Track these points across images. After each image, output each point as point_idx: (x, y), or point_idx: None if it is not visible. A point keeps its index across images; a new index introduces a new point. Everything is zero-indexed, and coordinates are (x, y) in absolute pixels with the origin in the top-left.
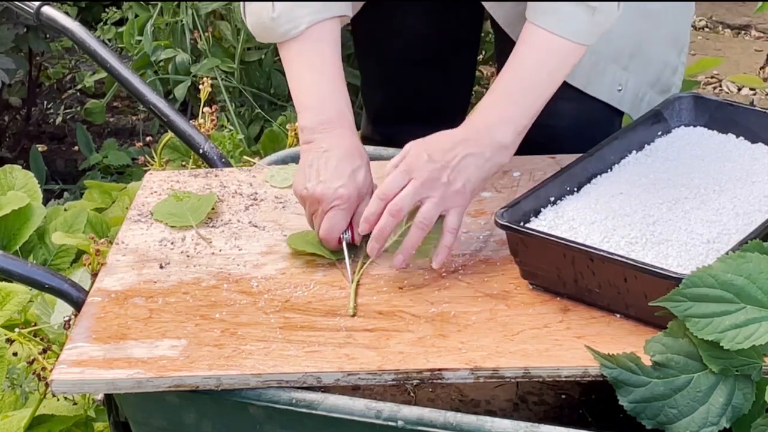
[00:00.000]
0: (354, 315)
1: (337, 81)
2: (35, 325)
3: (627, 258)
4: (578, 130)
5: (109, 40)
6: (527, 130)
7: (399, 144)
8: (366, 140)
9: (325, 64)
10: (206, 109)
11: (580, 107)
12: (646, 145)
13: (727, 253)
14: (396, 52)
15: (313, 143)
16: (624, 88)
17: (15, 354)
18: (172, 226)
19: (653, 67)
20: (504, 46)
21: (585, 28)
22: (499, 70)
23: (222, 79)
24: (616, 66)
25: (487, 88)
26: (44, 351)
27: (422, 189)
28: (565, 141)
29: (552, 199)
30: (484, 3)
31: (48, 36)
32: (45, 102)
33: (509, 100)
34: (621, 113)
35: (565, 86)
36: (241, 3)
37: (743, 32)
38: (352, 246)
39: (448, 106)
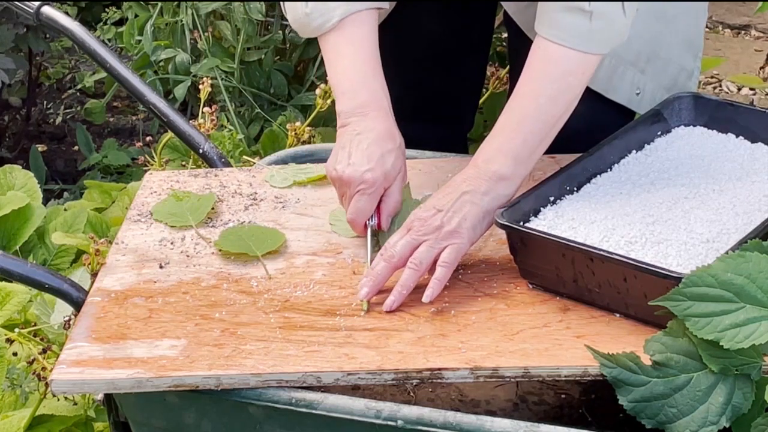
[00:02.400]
0: (368, 310)
1: (371, 65)
2: (35, 325)
3: (627, 257)
4: (589, 134)
5: (109, 40)
6: (537, 157)
7: (407, 144)
8: None
9: (358, 51)
10: (206, 109)
11: (593, 108)
12: (645, 145)
13: (726, 253)
14: (409, 52)
15: (347, 126)
16: (642, 92)
17: (15, 354)
18: (171, 226)
19: (670, 70)
20: (519, 46)
21: (584, 34)
22: (512, 69)
23: (222, 79)
24: (635, 69)
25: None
26: (44, 351)
27: (416, 235)
28: (576, 143)
29: (552, 198)
30: (505, 6)
31: (48, 36)
32: (45, 102)
33: (506, 131)
34: (632, 117)
35: None
36: (281, 2)
37: (743, 32)
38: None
39: (459, 106)
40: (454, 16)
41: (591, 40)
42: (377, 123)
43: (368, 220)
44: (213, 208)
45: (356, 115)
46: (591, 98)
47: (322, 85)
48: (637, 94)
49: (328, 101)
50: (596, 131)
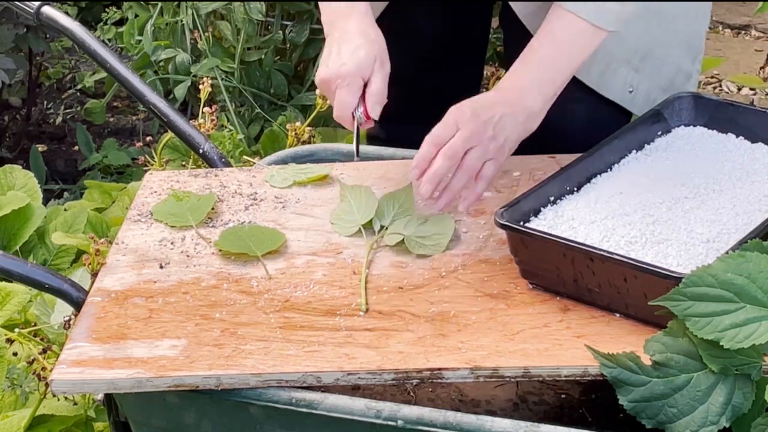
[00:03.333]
0: (367, 311)
1: None
2: (35, 325)
3: (627, 257)
4: (587, 133)
5: (109, 40)
6: (554, 100)
7: (404, 143)
8: (371, 139)
9: None
10: (206, 109)
11: (590, 109)
12: (645, 145)
13: (726, 253)
14: (406, 50)
15: (328, 37)
16: (635, 91)
17: (15, 354)
18: (172, 226)
19: (666, 70)
20: (516, 45)
21: (611, 14)
22: (507, 69)
23: (222, 79)
24: (628, 67)
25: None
26: (44, 351)
27: (471, 138)
28: (573, 143)
29: (552, 198)
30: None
31: (48, 36)
32: (45, 102)
33: (540, 67)
34: (629, 117)
35: (576, 88)
36: None
37: (743, 32)
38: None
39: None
40: (452, 15)
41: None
42: (348, 25)
43: (354, 111)
44: (213, 208)
45: (332, 23)
46: (589, 98)
47: None
48: (630, 92)
49: (328, 101)
50: (595, 131)
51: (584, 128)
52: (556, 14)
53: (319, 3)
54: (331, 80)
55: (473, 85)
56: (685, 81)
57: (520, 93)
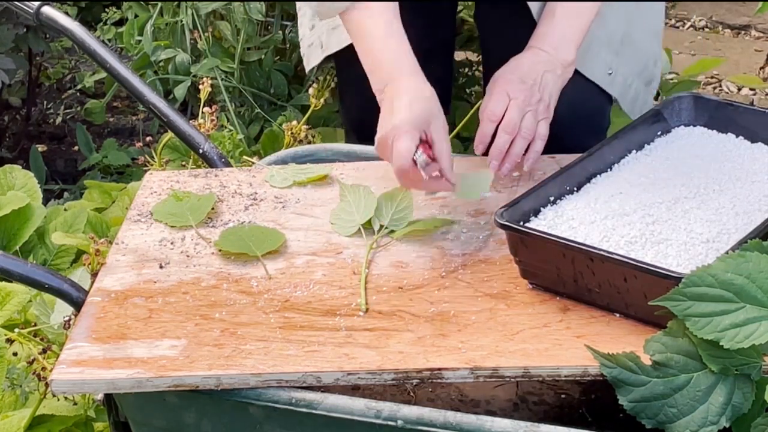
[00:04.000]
0: (367, 311)
1: (390, 36)
2: (35, 325)
3: (626, 257)
4: (573, 110)
5: (109, 40)
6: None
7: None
8: (361, 139)
9: (376, 26)
10: (206, 109)
11: (575, 88)
12: (645, 145)
13: (726, 253)
14: None
15: (381, 102)
16: (614, 73)
17: (15, 354)
18: (172, 226)
19: (641, 55)
20: (491, 46)
21: None
22: (484, 58)
23: (222, 79)
24: (609, 50)
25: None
26: (44, 351)
27: (524, 106)
28: (561, 123)
29: (552, 198)
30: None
31: (48, 36)
32: (45, 102)
33: (567, 23)
34: (611, 100)
35: None
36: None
37: (743, 32)
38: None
39: None
40: (424, 15)
41: None
42: (401, 84)
43: (414, 155)
44: (213, 208)
45: (384, 90)
46: (572, 79)
47: (315, 85)
48: (609, 73)
49: (322, 100)
50: (579, 110)
51: (569, 106)
52: None
53: (367, 72)
54: (388, 137)
55: (447, 83)
56: (653, 66)
57: (555, 49)
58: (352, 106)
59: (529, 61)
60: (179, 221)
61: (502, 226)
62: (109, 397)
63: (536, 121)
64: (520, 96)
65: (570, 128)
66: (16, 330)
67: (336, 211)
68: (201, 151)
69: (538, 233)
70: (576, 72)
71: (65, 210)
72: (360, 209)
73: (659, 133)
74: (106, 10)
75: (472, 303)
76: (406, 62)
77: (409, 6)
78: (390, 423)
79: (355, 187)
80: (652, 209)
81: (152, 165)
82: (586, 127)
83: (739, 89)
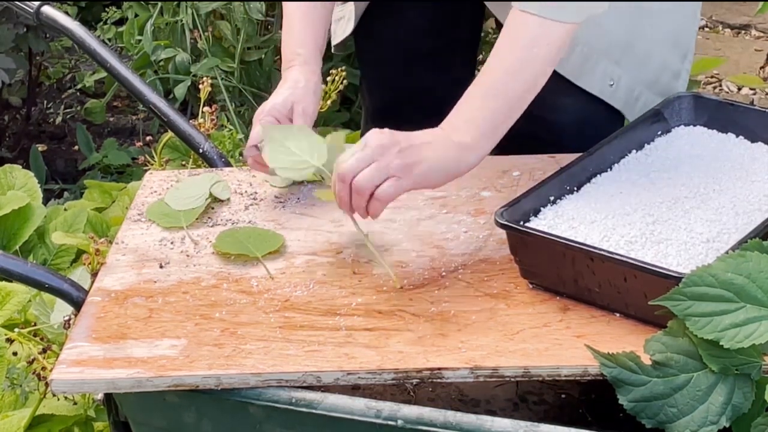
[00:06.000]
0: (401, 287)
1: (301, 20)
2: (35, 325)
3: (627, 257)
4: (580, 126)
5: (109, 40)
6: (502, 132)
7: None
8: None
9: (297, 7)
10: (206, 108)
11: (581, 102)
12: (645, 145)
13: (726, 252)
14: (396, 49)
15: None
16: (616, 84)
17: (15, 354)
18: (164, 228)
19: (651, 66)
20: None
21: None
22: None
23: (222, 79)
24: (608, 60)
25: None
26: (44, 351)
27: (371, 153)
28: (566, 137)
29: (552, 198)
30: (486, 2)
31: (48, 36)
32: (45, 102)
33: (471, 102)
34: (618, 112)
35: (564, 81)
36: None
37: (743, 32)
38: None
39: (447, 106)
40: (441, 13)
41: (550, 6)
42: (291, 72)
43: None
44: (213, 208)
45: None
46: (577, 92)
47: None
48: (611, 85)
49: (328, 102)
50: (586, 125)
51: (575, 121)
52: (508, 19)
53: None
54: (255, 116)
55: (464, 85)
56: (674, 80)
57: (453, 129)
58: (374, 88)
59: (420, 134)
60: (171, 222)
61: (502, 226)
62: (109, 397)
63: (377, 176)
64: (373, 143)
65: (579, 141)
66: (16, 330)
67: (280, 161)
68: (201, 150)
69: (538, 233)
70: (576, 86)
71: (65, 210)
72: (309, 152)
73: (659, 132)
74: (106, 9)
75: (472, 303)
76: (304, 50)
77: (420, 4)
78: (390, 423)
79: (285, 127)
80: (653, 209)
81: (152, 165)
82: (597, 140)
83: (739, 89)
